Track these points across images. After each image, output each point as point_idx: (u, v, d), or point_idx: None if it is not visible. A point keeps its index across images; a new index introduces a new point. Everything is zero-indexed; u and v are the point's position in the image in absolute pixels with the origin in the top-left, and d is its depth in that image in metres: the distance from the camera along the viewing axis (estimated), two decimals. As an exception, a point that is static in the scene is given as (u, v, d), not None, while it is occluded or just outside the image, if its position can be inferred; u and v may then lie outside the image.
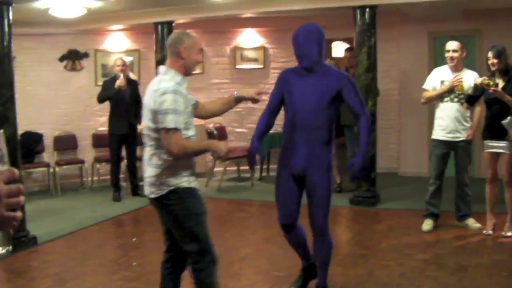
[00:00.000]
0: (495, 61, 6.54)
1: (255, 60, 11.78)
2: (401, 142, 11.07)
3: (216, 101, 4.85)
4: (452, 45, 6.98)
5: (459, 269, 5.78)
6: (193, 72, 4.27)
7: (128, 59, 10.52)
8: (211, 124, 11.02)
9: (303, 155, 4.67)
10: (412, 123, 10.78)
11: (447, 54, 7.00)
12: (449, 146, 7.02)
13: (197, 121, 11.72)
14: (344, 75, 4.76)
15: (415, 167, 10.74)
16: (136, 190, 9.68)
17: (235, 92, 4.57)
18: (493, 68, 6.59)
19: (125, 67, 9.41)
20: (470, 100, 6.76)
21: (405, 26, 10.72)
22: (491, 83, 6.37)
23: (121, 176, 9.82)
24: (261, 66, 11.77)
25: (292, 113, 4.73)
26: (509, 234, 6.72)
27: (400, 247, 6.58)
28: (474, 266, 5.83)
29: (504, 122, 6.29)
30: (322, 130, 4.65)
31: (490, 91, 6.35)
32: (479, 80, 6.51)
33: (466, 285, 5.32)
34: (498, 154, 6.69)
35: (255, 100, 4.60)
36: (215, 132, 10.20)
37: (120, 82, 9.03)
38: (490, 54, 6.60)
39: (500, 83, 6.55)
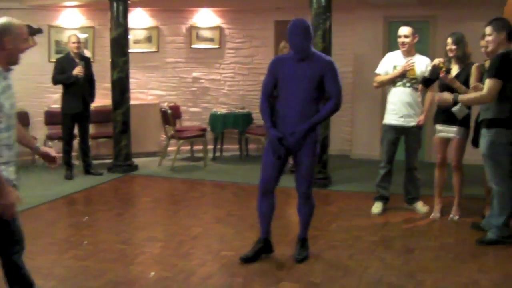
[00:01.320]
0: (453, 47, 6.63)
1: (211, 39, 11.74)
2: (354, 125, 11.18)
3: (26, 132, 4.75)
4: (403, 30, 7.07)
5: (406, 251, 5.90)
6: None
7: (82, 36, 10.39)
8: (165, 103, 11.00)
9: (295, 128, 5.27)
10: (365, 106, 10.89)
11: (399, 39, 7.10)
12: (400, 131, 7.12)
13: (150, 100, 11.65)
14: (330, 62, 5.34)
15: (367, 150, 10.87)
16: (88, 168, 9.62)
17: (38, 145, 4.55)
18: (450, 54, 6.69)
19: (80, 44, 9.32)
20: (427, 82, 6.85)
21: (361, 11, 10.80)
22: (444, 68, 6.48)
23: (73, 154, 9.73)
24: (217, 46, 11.73)
25: (286, 92, 5.35)
26: (456, 217, 6.87)
27: (349, 229, 6.68)
28: (421, 249, 5.96)
29: (454, 109, 6.39)
30: (312, 106, 5.30)
31: (441, 75, 6.46)
32: (437, 60, 6.63)
33: (412, 267, 5.42)
34: (448, 139, 6.82)
35: (50, 159, 4.40)
36: (169, 111, 10.15)
37: (78, 70, 8.96)
38: (449, 40, 6.68)
39: (455, 69, 6.65)
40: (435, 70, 6.68)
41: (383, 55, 7.70)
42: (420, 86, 6.98)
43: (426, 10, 10.31)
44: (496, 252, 5.80)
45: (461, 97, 6.09)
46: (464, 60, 6.65)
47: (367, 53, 10.57)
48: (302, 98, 5.25)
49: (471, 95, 6.04)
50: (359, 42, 10.98)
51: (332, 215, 7.30)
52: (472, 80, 6.38)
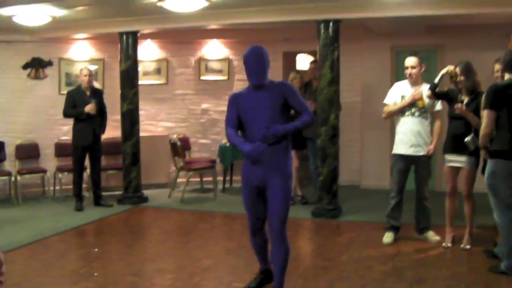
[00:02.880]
0: (462, 78, 6.63)
1: (219, 71, 11.81)
2: (363, 155, 11.16)
3: None
4: (410, 61, 7.08)
5: (418, 281, 5.85)
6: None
7: (92, 67, 10.47)
8: (174, 135, 11.03)
9: (264, 165, 5.05)
10: (374, 136, 10.88)
11: (406, 70, 7.11)
12: (410, 161, 7.10)
13: (160, 132, 11.68)
14: (285, 84, 5.25)
15: (376, 180, 10.84)
16: (98, 200, 9.63)
17: None
18: (460, 86, 6.70)
19: (91, 77, 9.37)
20: (434, 90, 6.78)
21: (368, 40, 10.84)
22: (454, 77, 6.58)
23: (84, 185, 9.75)
24: (225, 78, 11.80)
25: (250, 128, 5.14)
26: (467, 247, 6.82)
27: (361, 259, 6.64)
28: (433, 278, 5.91)
29: (467, 140, 6.40)
30: (280, 137, 5.05)
31: (457, 110, 6.44)
32: (446, 69, 6.73)
33: (425, 297, 5.40)
34: (458, 168, 6.79)
35: None
36: (179, 143, 10.17)
37: (91, 108, 9.04)
38: (457, 71, 6.69)
39: (466, 99, 6.65)
40: (444, 76, 6.78)
41: (391, 84, 7.72)
42: (428, 93, 6.90)
43: (434, 38, 10.33)
44: (509, 280, 5.73)
45: (480, 143, 6.06)
46: (474, 89, 6.66)
47: (375, 83, 10.61)
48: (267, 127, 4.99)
49: (480, 135, 6.02)
50: (367, 71, 11.02)
51: (342, 245, 7.26)
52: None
